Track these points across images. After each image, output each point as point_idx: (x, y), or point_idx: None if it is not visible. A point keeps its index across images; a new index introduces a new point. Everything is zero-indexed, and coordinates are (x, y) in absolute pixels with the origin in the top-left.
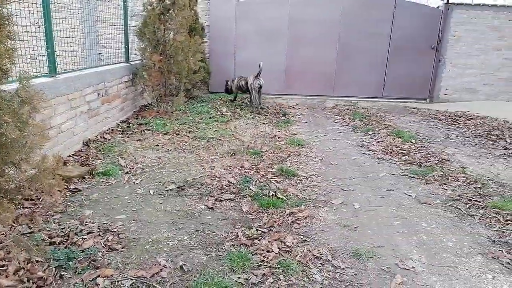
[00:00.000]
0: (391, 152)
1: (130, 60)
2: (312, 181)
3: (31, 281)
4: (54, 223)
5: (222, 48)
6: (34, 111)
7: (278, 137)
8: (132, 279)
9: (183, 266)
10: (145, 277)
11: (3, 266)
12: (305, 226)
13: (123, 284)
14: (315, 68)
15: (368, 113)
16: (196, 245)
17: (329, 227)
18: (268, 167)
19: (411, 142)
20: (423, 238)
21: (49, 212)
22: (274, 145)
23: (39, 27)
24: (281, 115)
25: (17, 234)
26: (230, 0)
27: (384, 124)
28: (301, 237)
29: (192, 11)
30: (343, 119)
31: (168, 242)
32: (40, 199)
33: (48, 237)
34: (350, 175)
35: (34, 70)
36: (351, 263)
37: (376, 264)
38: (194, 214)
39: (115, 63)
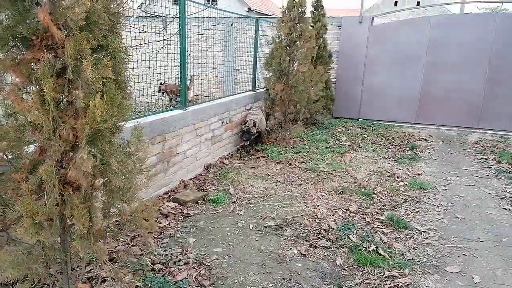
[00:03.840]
0: None
1: (256, 88)
2: (427, 238)
3: None
4: (161, 247)
5: (350, 73)
6: (139, 162)
7: (398, 177)
8: None
9: None
10: None
11: (111, 285)
12: None
13: None
14: (456, 96)
15: None
16: None
17: None
18: (377, 212)
19: None
20: None
21: (160, 236)
22: (390, 186)
23: (189, 53)
24: (407, 148)
25: (130, 254)
26: (363, 25)
27: None
28: None
29: (321, 39)
30: (486, 159)
31: None
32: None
33: (151, 263)
34: (478, 236)
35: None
36: None
37: None
38: (285, 259)
39: (240, 93)
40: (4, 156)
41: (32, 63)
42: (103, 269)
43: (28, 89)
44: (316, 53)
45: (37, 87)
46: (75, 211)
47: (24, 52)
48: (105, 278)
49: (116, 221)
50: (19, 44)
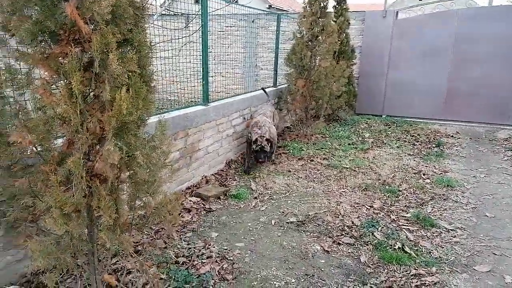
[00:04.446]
0: None
1: (277, 84)
2: (455, 236)
3: None
4: (184, 241)
5: (374, 68)
6: (163, 155)
7: (424, 174)
8: None
9: None
10: None
11: (136, 277)
12: None
13: None
14: (484, 91)
15: None
16: None
17: None
18: (402, 210)
19: None
20: None
21: (183, 230)
22: (415, 184)
23: (210, 51)
24: (433, 145)
25: (155, 247)
26: (387, 19)
27: None
28: None
29: (344, 34)
30: None
31: (275, 283)
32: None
33: (175, 256)
34: (509, 235)
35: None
36: None
37: None
38: (308, 255)
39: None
40: (34, 149)
41: (60, 58)
42: (128, 261)
43: (56, 83)
44: (339, 48)
45: (65, 81)
46: (102, 203)
47: (52, 47)
48: (131, 270)
49: (141, 214)
50: (47, 39)
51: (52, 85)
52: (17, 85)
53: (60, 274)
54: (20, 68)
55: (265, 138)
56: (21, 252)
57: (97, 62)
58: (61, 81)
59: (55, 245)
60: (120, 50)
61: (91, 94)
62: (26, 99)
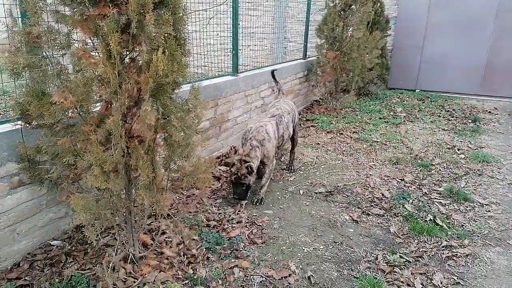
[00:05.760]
0: None
1: (307, 56)
2: (489, 211)
3: (185, 256)
4: (214, 206)
5: (408, 40)
6: (197, 118)
7: (458, 149)
8: (262, 277)
9: (311, 277)
10: (274, 278)
11: (169, 237)
12: (463, 265)
13: (254, 279)
14: None
15: None
16: (330, 257)
17: (495, 274)
18: (434, 184)
19: None
20: None
21: (213, 196)
22: (449, 158)
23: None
24: (469, 120)
25: (188, 208)
26: None
27: None
28: (455, 278)
29: (378, 4)
30: None
31: (303, 248)
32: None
33: (206, 220)
34: None
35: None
36: None
37: None
38: (336, 223)
39: (291, 61)
40: (75, 109)
41: (98, 19)
42: (163, 219)
43: (94, 45)
44: (372, 18)
45: (103, 42)
46: (140, 162)
47: (90, 9)
48: (164, 230)
49: (175, 176)
50: (85, 1)
51: (93, 51)
52: (58, 46)
53: (100, 230)
54: (59, 31)
55: (244, 165)
56: (63, 210)
57: (134, 23)
58: (100, 43)
59: (96, 202)
60: (156, 12)
61: (127, 58)
62: (66, 64)
